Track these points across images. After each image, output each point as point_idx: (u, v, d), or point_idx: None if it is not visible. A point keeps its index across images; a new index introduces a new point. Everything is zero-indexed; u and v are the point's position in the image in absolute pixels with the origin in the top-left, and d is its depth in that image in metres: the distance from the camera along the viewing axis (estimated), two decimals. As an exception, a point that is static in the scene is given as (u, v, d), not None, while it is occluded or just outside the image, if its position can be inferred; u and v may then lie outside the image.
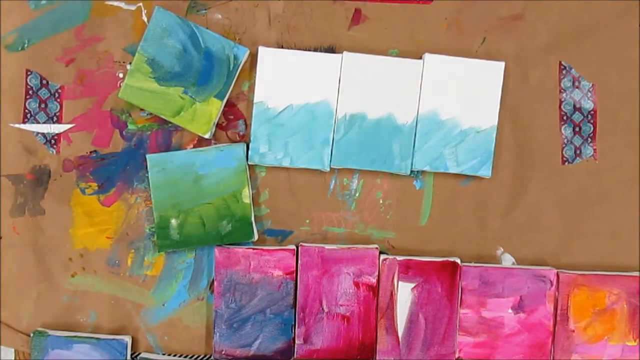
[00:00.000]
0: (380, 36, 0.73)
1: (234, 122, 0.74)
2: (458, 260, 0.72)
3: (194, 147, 0.73)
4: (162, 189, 0.71)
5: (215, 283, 0.71)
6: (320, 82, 0.71)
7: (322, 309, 0.71)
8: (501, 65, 0.72)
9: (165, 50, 0.70)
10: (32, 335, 0.71)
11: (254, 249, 0.71)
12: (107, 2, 0.73)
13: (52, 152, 0.73)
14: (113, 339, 0.71)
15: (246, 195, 0.71)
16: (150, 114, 0.73)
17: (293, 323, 0.72)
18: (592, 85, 0.74)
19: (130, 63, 0.71)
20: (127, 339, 0.71)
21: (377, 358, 0.72)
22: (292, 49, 0.73)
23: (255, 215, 0.73)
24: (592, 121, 0.74)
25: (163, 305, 0.74)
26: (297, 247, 0.72)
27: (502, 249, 0.75)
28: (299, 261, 0.72)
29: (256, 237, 0.72)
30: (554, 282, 0.72)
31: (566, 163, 0.74)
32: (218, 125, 0.73)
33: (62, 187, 0.73)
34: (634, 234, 0.74)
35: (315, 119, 0.71)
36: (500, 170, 0.74)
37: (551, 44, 0.74)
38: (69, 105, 0.73)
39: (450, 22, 0.74)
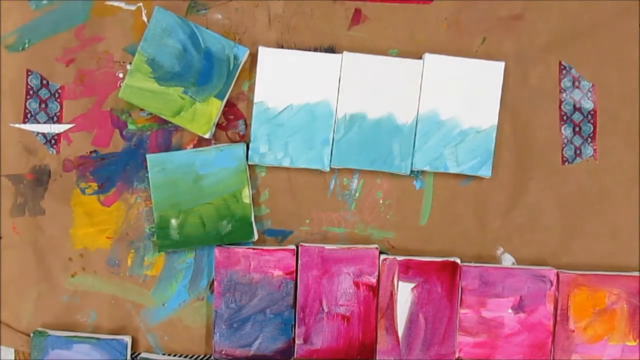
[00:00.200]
0: (380, 36, 0.73)
1: (234, 122, 0.74)
2: (458, 260, 0.72)
3: (194, 147, 0.73)
4: (162, 189, 0.71)
5: (215, 283, 0.71)
6: (320, 82, 0.71)
7: (322, 309, 0.71)
8: (501, 65, 0.72)
9: (165, 50, 0.70)
10: (32, 335, 0.71)
11: (254, 249, 0.71)
12: (107, 2, 0.73)
13: (52, 152, 0.73)
14: (113, 339, 0.71)
15: (246, 195, 0.71)
16: (150, 114, 0.73)
17: (293, 323, 0.72)
18: (592, 85, 0.74)
19: (130, 63, 0.71)
20: (127, 339, 0.71)
21: (377, 358, 0.72)
22: (292, 49, 0.73)
23: (255, 215, 0.73)
24: (592, 121, 0.74)
25: (163, 305, 0.74)
26: (297, 247, 0.72)
27: (502, 249, 0.75)
28: (299, 261, 0.71)
29: (256, 237, 0.72)
30: (554, 282, 0.72)
31: (566, 163, 0.74)
32: (218, 125, 0.73)
33: (62, 187, 0.73)
34: (634, 234, 0.74)
35: (315, 119, 0.71)
36: (500, 170, 0.74)
37: (551, 44, 0.74)
38: (69, 105, 0.73)
39: (450, 22, 0.74)
